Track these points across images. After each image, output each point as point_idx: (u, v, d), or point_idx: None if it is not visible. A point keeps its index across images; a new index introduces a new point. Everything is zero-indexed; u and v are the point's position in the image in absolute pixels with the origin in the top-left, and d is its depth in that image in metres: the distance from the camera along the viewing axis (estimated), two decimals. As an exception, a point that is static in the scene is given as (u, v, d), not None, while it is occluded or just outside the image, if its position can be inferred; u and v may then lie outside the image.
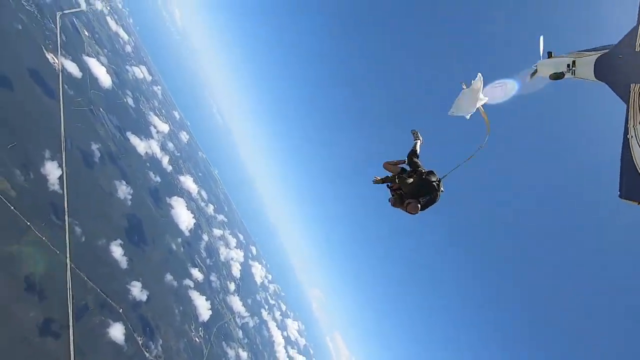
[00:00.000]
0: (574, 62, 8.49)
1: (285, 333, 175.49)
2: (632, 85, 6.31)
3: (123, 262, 53.54)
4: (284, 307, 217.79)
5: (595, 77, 7.81)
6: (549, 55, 9.53)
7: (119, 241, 54.44)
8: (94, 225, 50.82)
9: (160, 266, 68.58)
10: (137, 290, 53.85)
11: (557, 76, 8.73)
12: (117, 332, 45.47)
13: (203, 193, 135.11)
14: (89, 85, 73.02)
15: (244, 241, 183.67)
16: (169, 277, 68.90)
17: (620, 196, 6.38)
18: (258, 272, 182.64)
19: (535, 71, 10.04)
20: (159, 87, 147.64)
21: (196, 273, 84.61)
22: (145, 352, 49.71)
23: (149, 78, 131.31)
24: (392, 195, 6.46)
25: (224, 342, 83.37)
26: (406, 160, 6.91)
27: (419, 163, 6.62)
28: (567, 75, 8.76)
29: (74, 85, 65.71)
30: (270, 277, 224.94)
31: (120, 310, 48.02)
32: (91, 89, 73.56)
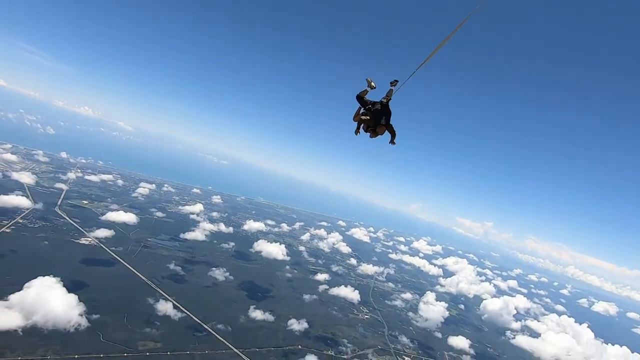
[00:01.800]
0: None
1: (420, 254, 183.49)
2: None
3: (268, 317, 59.19)
4: (402, 239, 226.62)
5: None
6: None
7: (252, 307, 60.23)
8: (229, 311, 56.52)
9: (293, 294, 74.55)
10: (297, 325, 59.51)
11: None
12: (311, 361, 51.04)
13: (269, 222, 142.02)
14: (125, 232, 79.15)
15: (329, 224, 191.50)
16: (305, 296, 74.83)
17: None
18: (359, 234, 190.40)
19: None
20: (166, 185, 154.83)
21: (321, 276, 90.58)
22: (344, 357, 55.57)
23: (153, 187, 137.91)
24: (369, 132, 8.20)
25: (386, 301, 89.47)
26: (360, 106, 8.25)
27: (367, 101, 8.13)
28: None
29: (116, 242, 71.67)
30: (372, 228, 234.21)
31: (299, 347, 53.71)
32: (128, 232, 79.88)
